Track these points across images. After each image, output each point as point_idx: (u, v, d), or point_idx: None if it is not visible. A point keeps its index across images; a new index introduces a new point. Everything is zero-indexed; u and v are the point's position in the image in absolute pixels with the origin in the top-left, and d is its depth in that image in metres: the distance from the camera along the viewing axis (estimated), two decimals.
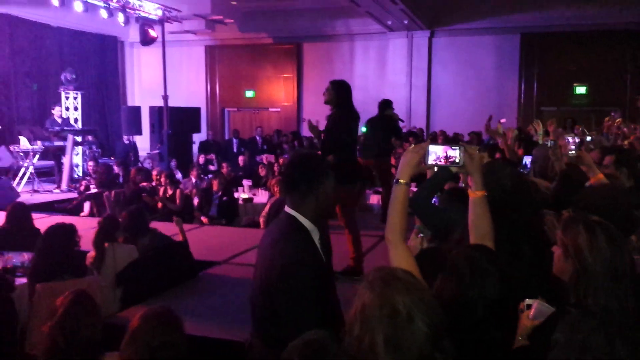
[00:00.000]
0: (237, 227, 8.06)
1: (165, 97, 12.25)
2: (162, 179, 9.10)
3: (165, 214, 8.48)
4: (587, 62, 14.19)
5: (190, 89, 17.21)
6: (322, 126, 5.40)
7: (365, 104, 15.45)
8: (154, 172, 9.88)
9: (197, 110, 14.59)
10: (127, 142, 13.65)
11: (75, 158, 11.84)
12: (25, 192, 10.20)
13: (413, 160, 2.02)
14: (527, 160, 4.33)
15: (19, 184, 10.56)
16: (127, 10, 11.48)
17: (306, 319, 2.02)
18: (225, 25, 14.82)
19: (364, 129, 8.25)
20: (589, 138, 6.60)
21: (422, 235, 3.36)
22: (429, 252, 2.83)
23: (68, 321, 2.61)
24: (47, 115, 12.72)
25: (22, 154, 11.08)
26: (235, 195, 8.91)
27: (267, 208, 7.51)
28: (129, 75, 18.36)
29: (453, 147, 2.04)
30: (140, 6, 11.76)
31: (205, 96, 17.69)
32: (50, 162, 11.92)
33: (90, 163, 11.23)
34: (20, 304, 4.21)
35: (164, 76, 12.43)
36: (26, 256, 4.70)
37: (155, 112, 13.00)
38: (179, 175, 10.82)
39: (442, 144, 2.10)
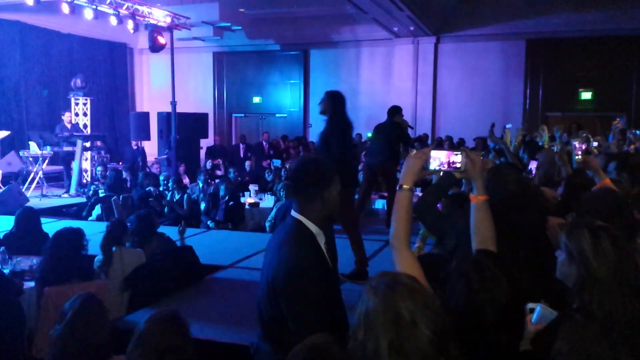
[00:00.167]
0: (244, 232, 8.09)
1: (174, 103, 12.32)
2: (170, 184, 9.16)
3: (172, 219, 8.53)
4: (593, 67, 14.16)
5: (198, 95, 17.31)
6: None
7: (371, 110, 15.70)
8: (162, 177, 9.93)
9: (204, 116, 14.66)
10: (135, 147, 13.72)
11: (84, 163, 11.91)
12: (34, 196, 10.26)
13: (416, 166, 2.03)
14: (533, 165, 4.32)
15: (28, 188, 10.64)
16: (137, 17, 11.57)
17: (312, 322, 2.01)
18: (233, 32, 14.91)
19: (369, 134, 8.29)
20: (595, 144, 6.58)
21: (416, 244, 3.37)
22: (430, 258, 2.84)
23: (76, 325, 2.62)
24: (56, 121, 12.83)
25: (31, 159, 11.17)
26: (242, 199, 8.95)
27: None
28: (138, 81, 18.50)
29: (455, 153, 2.06)
30: (149, 13, 11.86)
31: (212, 102, 17.78)
32: (59, 167, 12.01)
33: (99, 168, 11.31)
34: (28, 307, 4.25)
35: (173, 82, 12.50)
36: (35, 260, 4.75)
37: (164, 117, 13.08)
38: (186, 180, 10.87)
39: (448, 149, 2.11)
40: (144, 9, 11.66)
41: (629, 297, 1.73)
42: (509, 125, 6.52)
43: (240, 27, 14.86)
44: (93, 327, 2.65)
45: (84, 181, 11.68)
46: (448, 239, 2.45)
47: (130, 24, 11.51)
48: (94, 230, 6.13)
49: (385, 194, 8.47)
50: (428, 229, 3.48)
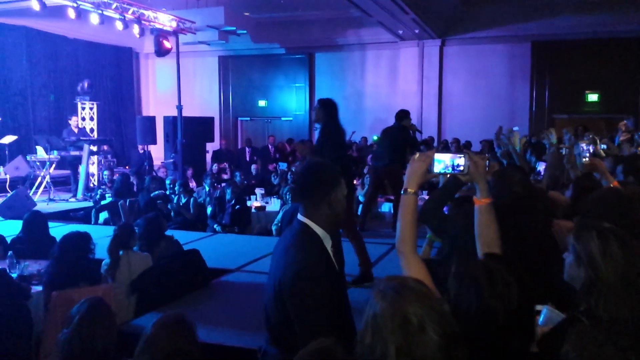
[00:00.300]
0: (250, 235, 8.10)
1: (180, 107, 12.36)
2: (176, 188, 9.19)
3: (178, 223, 8.55)
4: (599, 69, 14.11)
5: (203, 98, 17.37)
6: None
7: (376, 113, 15.71)
8: (168, 181, 9.97)
9: (210, 119, 14.71)
10: (141, 151, 13.78)
11: (91, 167, 11.96)
12: (42, 201, 10.31)
13: (420, 169, 2.02)
14: (541, 167, 4.29)
15: (35, 193, 10.69)
16: (142, 22, 11.61)
17: (319, 326, 2.01)
18: (239, 36, 14.95)
19: (375, 138, 8.31)
20: (603, 146, 6.55)
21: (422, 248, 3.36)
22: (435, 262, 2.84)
23: (84, 328, 2.63)
24: (63, 126, 12.89)
25: (38, 164, 11.23)
26: (248, 203, 8.96)
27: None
28: (144, 85, 18.58)
29: (458, 155, 2.05)
30: (155, 18, 11.90)
31: (218, 106, 17.83)
32: (67, 172, 12.06)
33: (106, 172, 11.35)
34: (36, 311, 4.26)
35: (178, 86, 12.54)
36: (42, 264, 4.77)
37: (170, 121, 13.13)
38: (193, 184, 10.90)
39: (455, 152, 2.11)
40: (149, 13, 11.70)
41: (637, 300, 1.72)
42: (516, 128, 6.50)
43: (245, 31, 14.90)
44: (100, 331, 2.66)
45: (91, 185, 11.73)
46: (443, 243, 2.44)
47: (136, 29, 11.55)
48: (101, 234, 6.15)
49: (392, 197, 8.47)
50: (434, 232, 3.47)
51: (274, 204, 9.13)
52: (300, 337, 1.98)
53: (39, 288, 4.41)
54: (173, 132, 12.84)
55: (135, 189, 10.36)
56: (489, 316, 1.62)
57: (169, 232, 5.67)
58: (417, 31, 14.19)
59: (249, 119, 18.07)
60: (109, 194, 10.10)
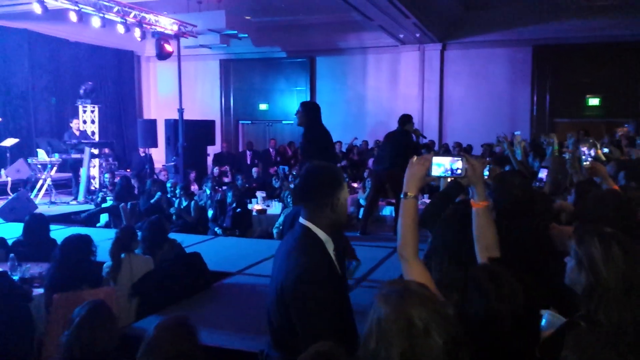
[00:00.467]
0: (251, 238, 8.10)
1: (181, 110, 12.38)
2: (177, 191, 9.20)
3: (179, 226, 8.56)
4: (600, 73, 14.12)
5: (205, 102, 17.39)
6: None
7: (377, 117, 15.73)
8: (168, 184, 9.97)
9: (211, 123, 14.72)
10: (143, 154, 13.79)
11: (92, 170, 11.97)
12: (43, 203, 10.32)
13: (419, 173, 2.01)
14: (543, 174, 4.27)
15: (36, 195, 10.70)
16: (144, 25, 11.64)
17: (321, 330, 1.99)
18: (240, 39, 14.97)
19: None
20: (606, 150, 6.55)
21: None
22: None
23: (83, 331, 2.63)
24: (64, 129, 12.91)
25: (40, 166, 11.24)
26: (249, 206, 8.97)
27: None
28: (145, 89, 18.61)
29: (456, 159, 2.05)
30: (156, 21, 11.93)
31: (219, 109, 17.85)
32: (68, 174, 12.08)
33: (107, 175, 11.36)
34: (37, 314, 4.27)
35: (180, 90, 12.56)
36: (44, 267, 4.77)
37: (171, 125, 13.14)
38: (195, 187, 10.90)
39: (455, 155, 2.11)
40: (151, 17, 11.73)
41: (638, 307, 1.71)
42: (517, 132, 6.52)
43: (246, 35, 14.92)
44: (100, 333, 2.66)
45: (92, 188, 11.74)
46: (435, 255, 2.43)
47: (137, 32, 11.58)
48: (102, 237, 6.15)
49: (393, 201, 8.47)
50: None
51: (275, 207, 9.14)
52: (303, 340, 1.98)
53: (41, 290, 4.41)
54: (174, 135, 12.85)
55: (136, 192, 10.37)
56: (496, 321, 1.62)
57: (169, 235, 5.67)
58: (418, 35, 14.21)
59: (250, 122, 18.09)
60: (110, 197, 10.11)
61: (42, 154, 11.30)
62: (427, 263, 2.22)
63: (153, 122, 14.19)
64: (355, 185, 10.85)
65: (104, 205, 9.96)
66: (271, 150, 14.54)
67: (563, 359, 1.69)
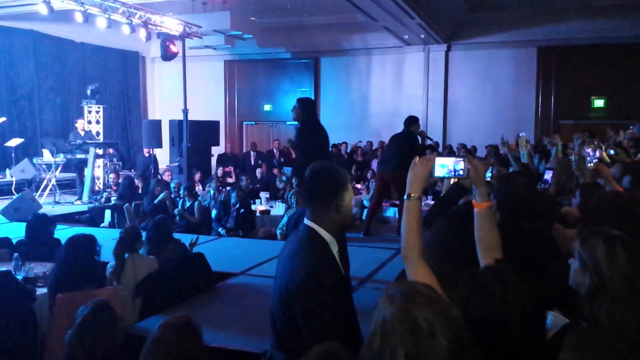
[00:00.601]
0: (254, 239, 8.10)
1: (185, 111, 12.40)
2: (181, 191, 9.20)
3: (183, 226, 8.56)
4: (605, 75, 14.08)
5: (209, 102, 17.41)
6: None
7: (382, 117, 15.73)
8: (172, 185, 9.98)
9: (216, 123, 14.75)
10: (147, 155, 13.81)
11: (97, 170, 12.00)
12: (47, 203, 10.34)
13: (423, 174, 2.00)
14: (548, 175, 4.26)
15: (41, 195, 10.73)
16: (149, 26, 11.67)
17: (326, 331, 1.99)
18: (244, 40, 14.99)
19: None
20: (611, 151, 6.52)
21: None
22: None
23: (85, 331, 2.62)
24: (69, 129, 12.95)
25: (44, 167, 11.27)
26: (253, 207, 8.97)
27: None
28: (150, 89, 18.66)
29: (458, 159, 2.05)
30: (161, 22, 11.96)
31: (224, 110, 17.89)
32: (72, 175, 12.12)
33: (111, 175, 11.39)
34: (41, 313, 4.27)
35: (184, 90, 12.58)
36: (47, 266, 4.78)
37: (175, 125, 13.16)
38: (199, 188, 10.91)
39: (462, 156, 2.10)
40: (156, 18, 11.76)
41: None
42: (522, 134, 6.50)
43: (251, 36, 14.93)
44: (102, 333, 2.65)
45: (97, 188, 11.76)
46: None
47: (142, 33, 11.61)
48: (106, 237, 6.16)
49: (397, 202, 8.46)
50: None
51: (278, 208, 9.14)
52: (307, 341, 1.97)
53: (44, 290, 4.42)
54: (179, 136, 12.87)
55: (140, 192, 10.38)
56: (502, 323, 1.61)
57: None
58: (422, 36, 14.20)
59: (254, 123, 18.11)
60: (114, 197, 10.13)
61: (46, 154, 11.34)
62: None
63: (157, 123, 14.20)
64: (358, 186, 10.84)
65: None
66: (275, 151, 14.55)
67: None
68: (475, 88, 15.19)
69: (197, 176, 11.54)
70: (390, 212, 9.06)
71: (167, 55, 12.66)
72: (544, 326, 1.80)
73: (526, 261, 2.32)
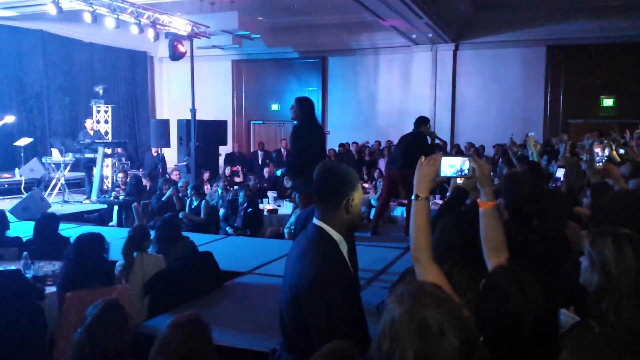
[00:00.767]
0: (262, 238, 8.11)
1: (193, 111, 12.43)
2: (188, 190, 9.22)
3: (190, 225, 8.57)
4: (614, 74, 13.98)
5: (217, 102, 17.44)
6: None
7: (389, 117, 15.70)
8: (180, 184, 10.01)
9: (223, 123, 14.78)
10: (155, 154, 13.87)
11: (105, 170, 12.06)
12: (56, 202, 10.40)
13: (430, 174, 1.99)
14: (560, 173, 4.21)
15: (50, 194, 10.79)
16: (157, 26, 11.71)
17: (336, 331, 1.97)
18: (252, 40, 15.01)
19: None
20: (622, 151, 6.48)
21: None
22: None
23: (95, 330, 2.63)
24: (78, 128, 13.01)
25: (53, 166, 11.34)
26: (260, 206, 8.98)
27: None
28: (158, 89, 18.73)
29: (463, 158, 2.04)
30: (170, 22, 12.00)
31: (231, 109, 17.91)
32: (81, 174, 12.18)
33: (120, 175, 11.44)
34: (50, 312, 4.29)
35: (192, 90, 12.61)
36: (57, 265, 4.81)
37: (183, 125, 13.21)
38: (208, 187, 10.93)
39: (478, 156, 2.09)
40: (164, 18, 11.80)
41: None
42: (531, 134, 6.49)
43: (259, 36, 14.95)
44: (112, 332, 2.65)
45: (105, 187, 11.82)
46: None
47: (150, 33, 11.64)
48: (114, 235, 6.18)
49: (405, 202, 8.45)
50: None
51: (286, 207, 9.15)
52: (316, 341, 1.96)
53: (53, 289, 4.44)
54: (186, 135, 12.91)
55: (148, 191, 10.42)
56: (517, 323, 1.61)
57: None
58: (430, 35, 14.16)
59: (261, 122, 18.13)
60: (122, 196, 10.17)
61: (55, 154, 11.40)
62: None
63: (166, 122, 14.26)
64: (366, 185, 10.83)
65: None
66: (282, 150, 14.56)
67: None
68: (483, 87, 15.13)
69: (206, 175, 11.58)
70: (398, 211, 9.05)
71: (175, 55, 12.69)
72: (557, 326, 1.79)
73: (535, 260, 2.31)
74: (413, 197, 1.98)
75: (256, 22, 14.67)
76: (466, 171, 2.02)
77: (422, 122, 7.60)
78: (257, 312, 4.63)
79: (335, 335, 1.84)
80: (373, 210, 8.54)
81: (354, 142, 14.60)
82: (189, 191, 9.13)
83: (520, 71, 14.88)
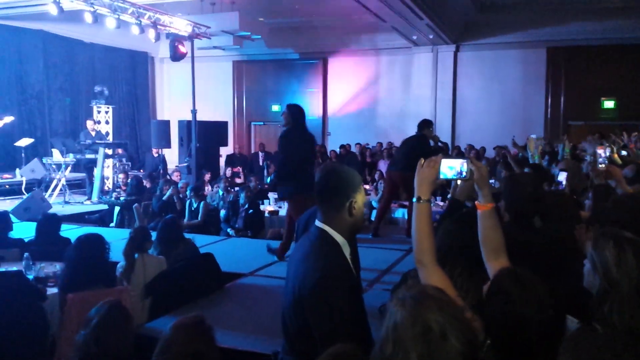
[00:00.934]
0: (263, 239, 8.11)
1: (194, 111, 12.44)
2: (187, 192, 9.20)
3: (190, 226, 8.57)
4: (615, 76, 13.97)
5: (218, 103, 17.45)
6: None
7: (390, 118, 15.71)
8: (180, 185, 10.01)
9: (224, 124, 14.78)
10: (156, 155, 13.87)
11: (106, 170, 12.06)
12: (57, 203, 10.40)
13: (431, 176, 1.98)
14: (562, 177, 4.20)
15: (50, 195, 10.79)
16: (158, 26, 11.71)
17: (339, 334, 1.97)
18: (253, 41, 15.02)
19: None
20: (624, 152, 6.49)
21: None
22: None
23: (102, 331, 2.62)
24: (78, 129, 13.02)
25: (54, 166, 11.34)
26: (261, 207, 8.98)
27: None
28: (159, 89, 18.74)
29: (460, 160, 2.04)
30: (170, 23, 12.00)
31: (232, 110, 17.92)
32: (82, 175, 12.18)
33: (120, 175, 11.44)
34: (51, 313, 4.29)
35: (193, 91, 12.62)
36: (58, 266, 4.80)
37: (184, 125, 13.22)
38: (208, 188, 10.92)
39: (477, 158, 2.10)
40: (165, 18, 11.80)
41: None
42: (533, 136, 6.49)
43: (259, 36, 14.96)
44: (118, 334, 2.66)
45: (106, 188, 11.83)
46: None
47: (151, 33, 11.65)
48: (115, 236, 6.18)
49: (406, 203, 8.45)
50: None
51: (286, 209, 9.12)
52: (320, 344, 1.96)
53: (55, 290, 4.44)
54: (187, 136, 12.92)
55: (149, 192, 10.42)
56: (523, 325, 1.60)
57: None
58: (431, 36, 14.16)
59: (262, 123, 18.14)
60: (123, 197, 10.17)
61: (56, 154, 11.40)
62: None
63: (166, 123, 14.27)
64: (367, 187, 10.82)
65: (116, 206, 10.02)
66: None
67: None
68: (483, 89, 15.13)
69: (207, 177, 11.58)
70: (399, 213, 9.04)
71: (176, 56, 12.70)
72: (564, 329, 1.79)
73: (537, 261, 2.31)
74: (414, 200, 1.98)
75: (257, 22, 14.68)
76: (464, 173, 2.02)
77: (425, 125, 7.61)
78: (258, 314, 4.63)
79: (338, 338, 1.83)
80: (374, 212, 8.53)
81: (357, 144, 14.58)
82: (188, 192, 9.13)
83: (521, 73, 14.88)
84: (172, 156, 14.76)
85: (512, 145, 6.50)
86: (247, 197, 8.56)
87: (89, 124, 11.97)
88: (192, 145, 12.40)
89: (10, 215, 6.11)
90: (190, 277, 4.99)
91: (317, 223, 2.20)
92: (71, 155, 11.29)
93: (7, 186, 11.47)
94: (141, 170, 13.74)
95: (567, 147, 7.17)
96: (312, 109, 17.09)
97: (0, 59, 13.58)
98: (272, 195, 9.65)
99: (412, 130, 7.74)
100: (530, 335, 1.60)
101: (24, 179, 11.33)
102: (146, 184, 10.85)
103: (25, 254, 4.91)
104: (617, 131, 9.27)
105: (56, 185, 11.09)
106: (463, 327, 1.32)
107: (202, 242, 7.01)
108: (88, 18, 10.32)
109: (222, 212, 9.07)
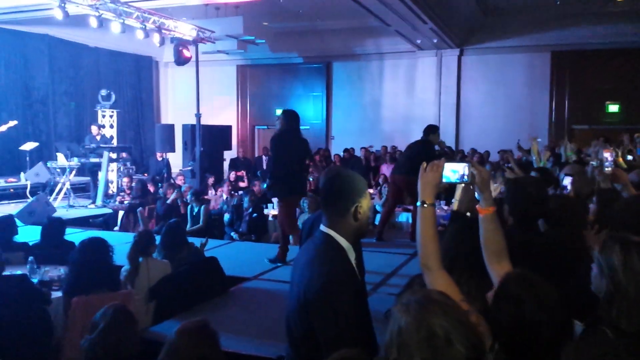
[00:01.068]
0: (267, 243, 8.11)
1: (198, 116, 12.46)
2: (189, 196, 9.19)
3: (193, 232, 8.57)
4: (620, 79, 13.95)
5: (222, 107, 17.49)
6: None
7: (394, 122, 15.70)
8: (182, 189, 10.01)
9: (228, 128, 14.81)
10: (160, 159, 13.90)
11: (110, 174, 12.09)
12: (61, 207, 10.42)
13: (435, 180, 1.98)
14: (567, 181, 4.19)
15: (55, 199, 10.82)
16: (163, 31, 11.75)
17: (344, 338, 1.96)
18: (257, 45, 15.06)
19: None
20: (630, 157, 6.46)
21: None
22: None
23: (109, 335, 2.63)
24: (83, 133, 13.05)
25: (59, 170, 11.36)
26: (265, 211, 8.97)
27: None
28: (163, 94, 18.78)
29: (462, 164, 2.04)
30: (175, 27, 12.05)
31: (236, 114, 17.95)
32: (86, 178, 12.21)
33: (125, 179, 11.46)
34: (56, 316, 4.30)
35: (197, 95, 12.65)
36: (62, 270, 4.81)
37: (188, 129, 13.24)
38: (212, 192, 10.92)
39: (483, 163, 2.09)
40: (170, 23, 11.84)
41: None
42: (539, 139, 6.48)
43: (263, 41, 15.00)
44: (124, 337, 2.66)
45: (110, 192, 11.85)
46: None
47: (156, 38, 11.69)
48: (119, 240, 6.19)
49: (410, 207, 8.44)
50: None
51: None
52: (325, 349, 1.95)
53: (59, 294, 4.44)
54: (191, 140, 12.94)
55: (153, 195, 10.43)
56: (533, 328, 1.60)
57: None
58: (435, 41, 14.16)
59: (266, 127, 18.15)
60: (128, 201, 10.19)
61: (61, 158, 11.43)
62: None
63: (171, 127, 14.30)
64: (371, 191, 10.81)
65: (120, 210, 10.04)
66: None
67: None
68: (488, 93, 15.11)
69: (211, 180, 11.59)
70: (403, 217, 9.03)
71: (181, 60, 12.73)
72: (572, 334, 1.78)
73: (538, 262, 2.30)
74: (419, 204, 1.98)
75: (261, 27, 14.71)
76: (465, 177, 2.02)
77: (431, 130, 7.60)
78: (262, 318, 4.62)
79: (343, 343, 1.83)
80: (378, 216, 8.52)
81: (362, 148, 14.56)
82: (189, 197, 9.09)
83: (525, 77, 14.86)
84: (176, 160, 14.78)
85: (517, 148, 6.49)
86: (250, 201, 8.57)
87: (94, 128, 12.01)
88: (196, 149, 12.42)
89: (15, 219, 6.12)
90: (195, 281, 4.99)
91: (322, 228, 2.18)
92: (76, 159, 11.33)
93: (11, 190, 11.50)
94: (145, 174, 13.76)
95: (569, 149, 7.15)
96: (316, 113, 17.12)
97: (6, 63, 13.63)
98: (275, 199, 9.64)
99: (417, 134, 7.73)
100: (541, 339, 1.59)
101: (28, 183, 11.36)
102: (151, 187, 10.87)
103: (30, 258, 4.92)
104: (620, 136, 9.25)
105: (61, 189, 11.12)
106: (468, 331, 1.31)
107: (207, 245, 7.01)
108: (93, 22, 10.36)
109: (226, 216, 9.07)
